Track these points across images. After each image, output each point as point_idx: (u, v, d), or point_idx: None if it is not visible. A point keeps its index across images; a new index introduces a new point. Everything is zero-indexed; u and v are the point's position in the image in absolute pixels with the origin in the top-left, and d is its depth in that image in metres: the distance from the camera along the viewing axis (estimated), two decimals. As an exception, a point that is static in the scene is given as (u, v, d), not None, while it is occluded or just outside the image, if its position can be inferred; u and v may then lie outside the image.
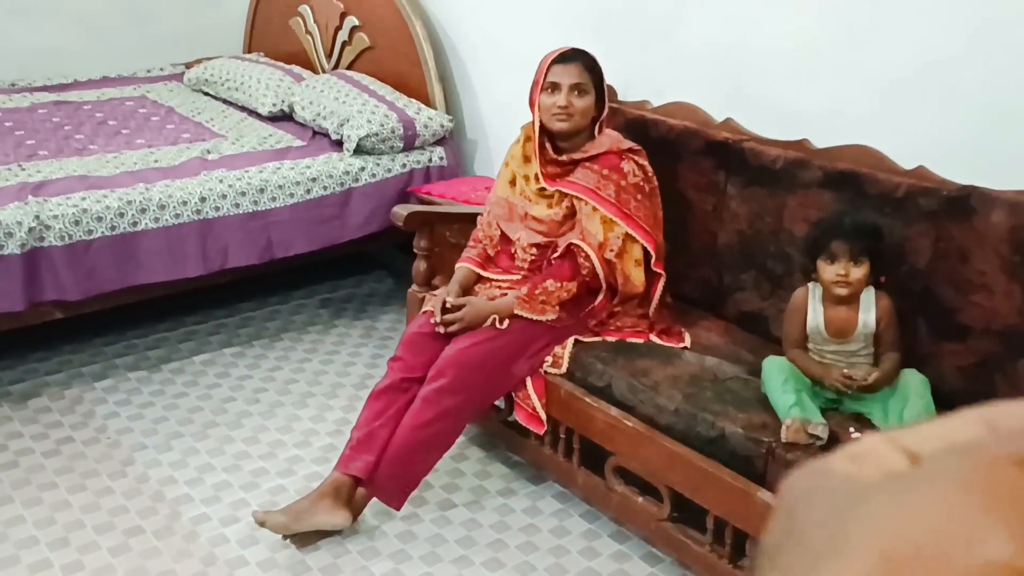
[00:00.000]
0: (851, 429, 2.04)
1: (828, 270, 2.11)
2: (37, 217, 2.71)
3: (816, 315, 2.15)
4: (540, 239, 2.47)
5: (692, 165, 2.58)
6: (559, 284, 2.39)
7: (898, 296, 2.14)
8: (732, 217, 2.51)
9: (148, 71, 4.31)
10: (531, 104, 2.44)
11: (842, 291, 2.10)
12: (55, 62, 4.13)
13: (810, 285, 2.18)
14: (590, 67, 2.39)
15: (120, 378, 3.00)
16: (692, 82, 2.74)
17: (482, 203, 2.85)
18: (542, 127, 2.42)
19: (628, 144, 2.44)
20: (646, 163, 2.45)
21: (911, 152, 2.26)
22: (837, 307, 2.13)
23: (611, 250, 2.36)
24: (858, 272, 2.09)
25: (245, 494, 2.48)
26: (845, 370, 2.07)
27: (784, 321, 2.24)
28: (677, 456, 2.12)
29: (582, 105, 2.38)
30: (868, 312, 2.12)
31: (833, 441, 1.98)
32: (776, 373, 2.11)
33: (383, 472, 2.27)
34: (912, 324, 2.17)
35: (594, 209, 2.36)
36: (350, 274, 3.80)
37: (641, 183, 2.40)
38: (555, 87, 2.37)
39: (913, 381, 2.07)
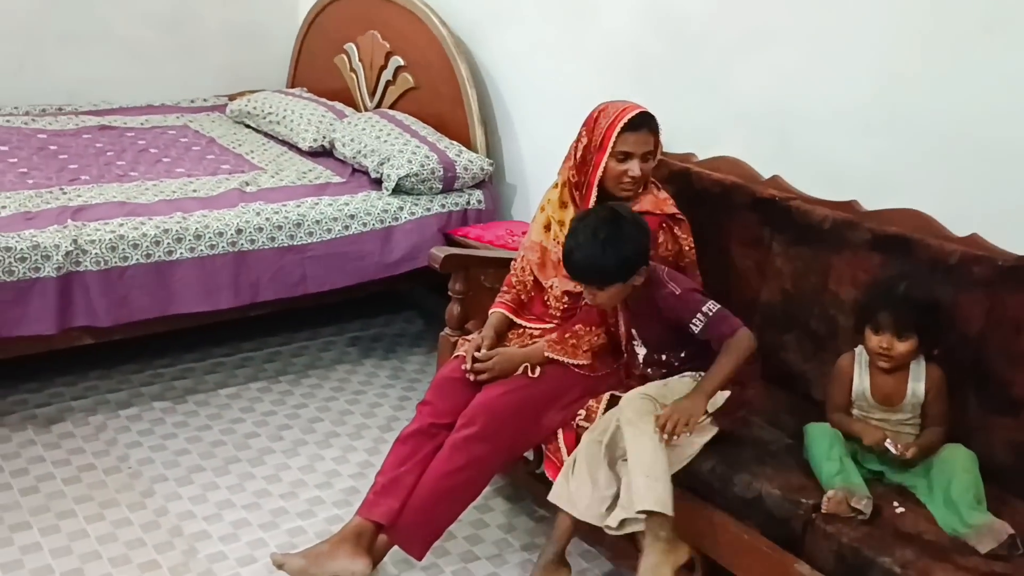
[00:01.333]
0: (895, 503, 1.96)
1: (872, 340, 2.05)
2: (75, 241, 2.71)
3: (862, 381, 2.09)
4: (572, 286, 2.41)
5: (737, 220, 2.53)
6: (588, 328, 2.34)
7: (947, 365, 2.08)
8: (776, 274, 2.46)
9: (192, 101, 4.35)
10: (594, 166, 2.33)
11: (883, 364, 2.04)
12: (102, 89, 4.18)
13: (857, 349, 2.12)
14: (655, 130, 2.35)
15: (145, 407, 2.97)
16: (739, 136, 2.70)
17: (518, 248, 2.81)
18: (601, 188, 2.35)
19: (672, 210, 2.37)
20: (685, 235, 2.38)
21: (964, 219, 2.20)
22: (884, 374, 2.06)
23: None
24: (902, 347, 2.02)
25: (264, 533, 2.42)
26: (888, 441, 2.00)
27: (829, 384, 2.17)
28: (712, 521, 2.05)
29: (649, 169, 2.35)
30: (917, 382, 2.04)
31: (876, 515, 1.90)
32: (820, 440, 2.04)
33: (406, 519, 2.21)
34: (961, 395, 2.10)
35: None
36: (380, 312, 3.77)
37: (671, 258, 2.35)
38: (627, 155, 2.31)
39: (960, 456, 2.00)
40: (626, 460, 2.05)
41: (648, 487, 1.96)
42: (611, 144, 2.31)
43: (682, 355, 2.21)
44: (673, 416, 2.00)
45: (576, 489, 2.14)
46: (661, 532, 1.98)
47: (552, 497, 2.18)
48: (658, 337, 2.23)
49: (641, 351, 2.28)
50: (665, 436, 1.99)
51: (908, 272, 2.14)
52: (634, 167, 2.31)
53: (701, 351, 2.15)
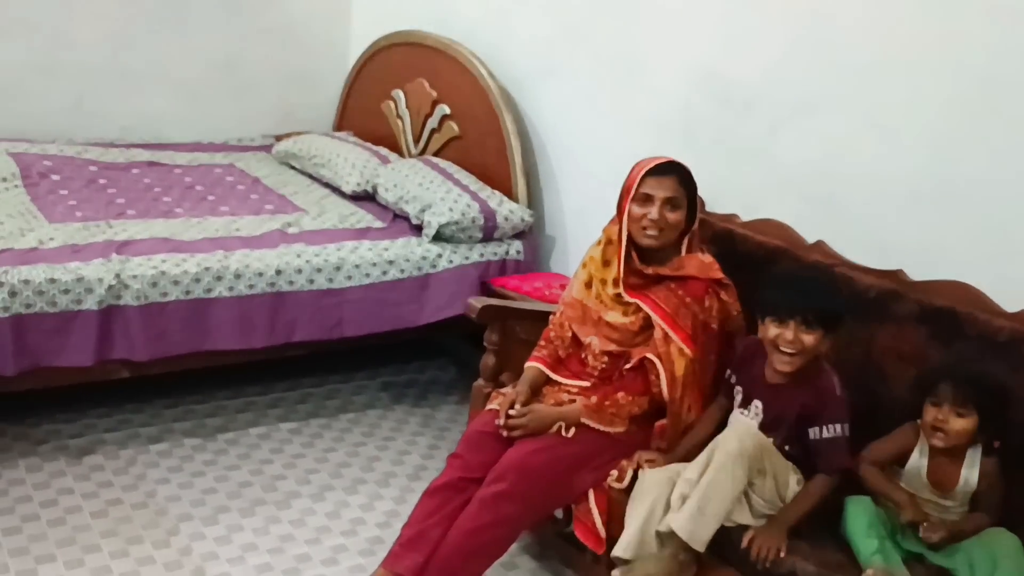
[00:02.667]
0: (936, 587, 1.89)
1: (929, 412, 1.98)
2: (118, 276, 2.74)
3: (921, 458, 2.02)
4: (613, 347, 2.39)
5: (768, 275, 2.48)
6: (630, 398, 2.31)
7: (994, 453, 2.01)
8: (818, 344, 2.41)
9: (239, 140, 4.43)
10: (619, 212, 2.39)
11: (937, 441, 1.97)
12: (155, 126, 4.26)
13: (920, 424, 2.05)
14: (685, 181, 2.34)
15: (175, 443, 2.98)
16: (784, 200, 2.68)
17: (556, 300, 2.79)
18: (629, 237, 2.37)
19: (718, 275, 2.35)
20: (732, 299, 2.36)
21: (1015, 294, 2.15)
22: (940, 457, 2.00)
23: (686, 379, 2.29)
24: (958, 423, 1.94)
25: (286, 580, 2.40)
26: (925, 524, 1.94)
27: (881, 439, 2.10)
28: (744, 592, 1.99)
29: (674, 219, 2.32)
30: (971, 469, 1.98)
31: (916, 598, 1.84)
32: (859, 515, 1.98)
33: (431, 574, 2.17)
34: (1009, 479, 2.02)
35: (665, 337, 2.29)
36: (414, 359, 3.76)
37: (712, 324, 2.33)
38: (648, 199, 2.31)
39: (1006, 542, 1.93)
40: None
41: (694, 519, 1.97)
42: (634, 187, 2.32)
43: (785, 448, 2.12)
44: (762, 547, 1.98)
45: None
46: (680, 555, 2.03)
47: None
48: (781, 422, 2.13)
49: (748, 423, 2.18)
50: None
51: (976, 355, 2.08)
52: (653, 211, 2.30)
53: (800, 457, 2.10)
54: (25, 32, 3.89)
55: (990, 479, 1.98)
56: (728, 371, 2.30)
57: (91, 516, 2.55)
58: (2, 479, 2.67)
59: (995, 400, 1.96)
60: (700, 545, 1.98)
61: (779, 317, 2.09)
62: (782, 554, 1.96)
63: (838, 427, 2.07)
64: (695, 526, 1.97)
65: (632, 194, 2.33)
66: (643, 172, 2.33)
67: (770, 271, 2.50)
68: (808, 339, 2.06)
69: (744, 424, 2.06)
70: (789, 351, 2.08)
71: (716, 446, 2.03)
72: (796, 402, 2.11)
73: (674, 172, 2.33)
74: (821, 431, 2.07)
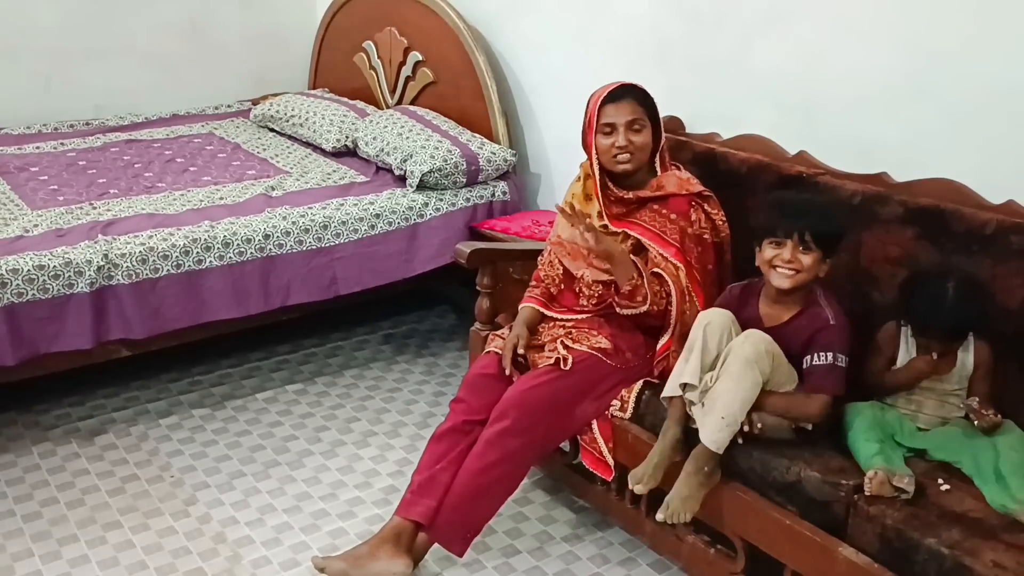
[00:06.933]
0: (940, 480, 1.91)
1: (919, 339, 2.03)
2: (106, 256, 2.74)
3: (909, 351, 2.05)
4: (605, 277, 2.39)
5: (764, 200, 2.48)
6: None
7: (987, 339, 2.02)
8: (807, 254, 2.41)
9: (216, 108, 4.38)
10: (586, 147, 2.37)
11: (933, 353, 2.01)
12: (128, 100, 4.21)
13: (902, 321, 2.08)
14: (643, 100, 2.32)
15: (184, 415, 3.01)
16: (763, 114, 2.66)
17: (545, 238, 2.79)
18: (601, 168, 2.35)
19: (698, 188, 2.35)
20: (716, 210, 2.37)
21: (999, 186, 2.15)
22: None
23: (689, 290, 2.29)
24: (952, 345, 2.00)
25: (305, 536, 2.44)
26: (975, 400, 1.94)
27: (870, 356, 2.12)
28: (751, 506, 2.02)
29: (641, 141, 2.31)
30: (967, 352, 2.01)
31: (920, 494, 1.87)
32: (858, 421, 2.01)
33: (445, 517, 2.22)
34: (1003, 369, 2.04)
35: (660, 256, 2.29)
36: (412, 309, 3.78)
37: (705, 235, 2.33)
38: (611, 128, 2.30)
39: (1008, 433, 1.94)
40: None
41: (718, 428, 1.99)
42: (596, 119, 2.30)
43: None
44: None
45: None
46: (705, 467, 2.02)
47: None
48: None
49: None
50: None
51: (950, 266, 2.08)
52: (619, 138, 2.28)
53: None
54: (-16, 19, 3.83)
55: (985, 364, 2.00)
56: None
57: (108, 494, 2.59)
58: (17, 467, 2.70)
59: (982, 317, 1.98)
60: (721, 448, 2.00)
61: (776, 238, 2.04)
62: (758, 425, 1.99)
63: (829, 355, 2.01)
64: (721, 436, 1.99)
65: (594, 127, 2.31)
66: (599, 102, 2.31)
67: (753, 189, 2.49)
68: (806, 259, 2.02)
69: (754, 334, 2.03)
70: (787, 270, 2.03)
71: (730, 352, 2.01)
72: (796, 340, 2.06)
73: (630, 94, 2.31)
74: (813, 358, 2.03)
